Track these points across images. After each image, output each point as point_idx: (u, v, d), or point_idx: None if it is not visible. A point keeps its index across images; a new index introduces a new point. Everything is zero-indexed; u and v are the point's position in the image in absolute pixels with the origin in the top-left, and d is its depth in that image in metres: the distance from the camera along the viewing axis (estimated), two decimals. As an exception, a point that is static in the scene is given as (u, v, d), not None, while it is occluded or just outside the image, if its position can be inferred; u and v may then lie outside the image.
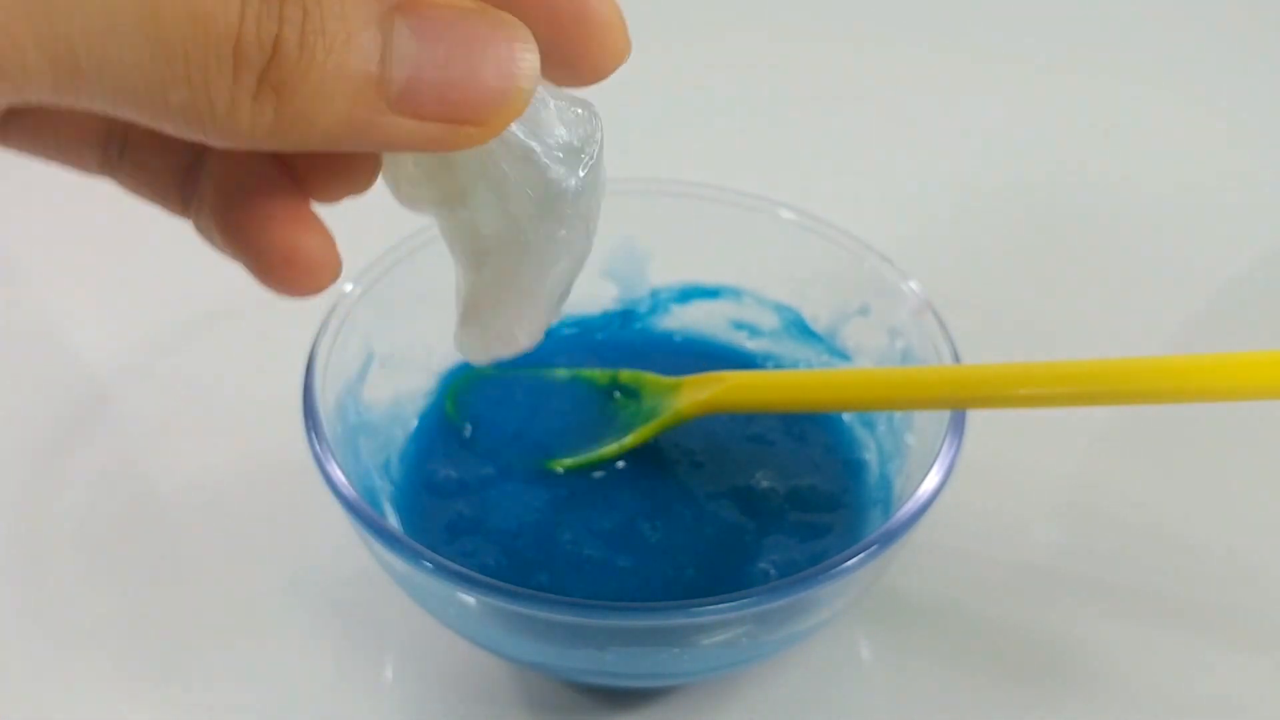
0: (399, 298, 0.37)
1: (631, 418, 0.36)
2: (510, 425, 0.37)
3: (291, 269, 0.22)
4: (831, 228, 0.38)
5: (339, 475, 0.30)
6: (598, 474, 0.36)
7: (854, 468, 0.36)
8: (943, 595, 0.37)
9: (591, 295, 0.41)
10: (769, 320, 0.41)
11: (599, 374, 0.38)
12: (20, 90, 0.17)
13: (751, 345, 0.41)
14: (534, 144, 0.22)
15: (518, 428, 0.37)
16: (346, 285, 0.35)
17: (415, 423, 0.38)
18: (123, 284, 0.49)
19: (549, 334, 0.41)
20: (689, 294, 0.41)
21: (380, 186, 0.23)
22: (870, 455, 0.37)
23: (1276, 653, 0.36)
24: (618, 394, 0.37)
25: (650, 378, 0.37)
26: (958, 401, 0.32)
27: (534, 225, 0.23)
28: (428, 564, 0.28)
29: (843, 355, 0.39)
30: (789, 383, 0.36)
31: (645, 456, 0.36)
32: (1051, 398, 0.32)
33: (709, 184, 0.40)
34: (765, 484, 0.36)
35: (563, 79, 0.22)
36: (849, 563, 0.28)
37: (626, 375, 0.37)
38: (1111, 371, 0.31)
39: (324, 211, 0.49)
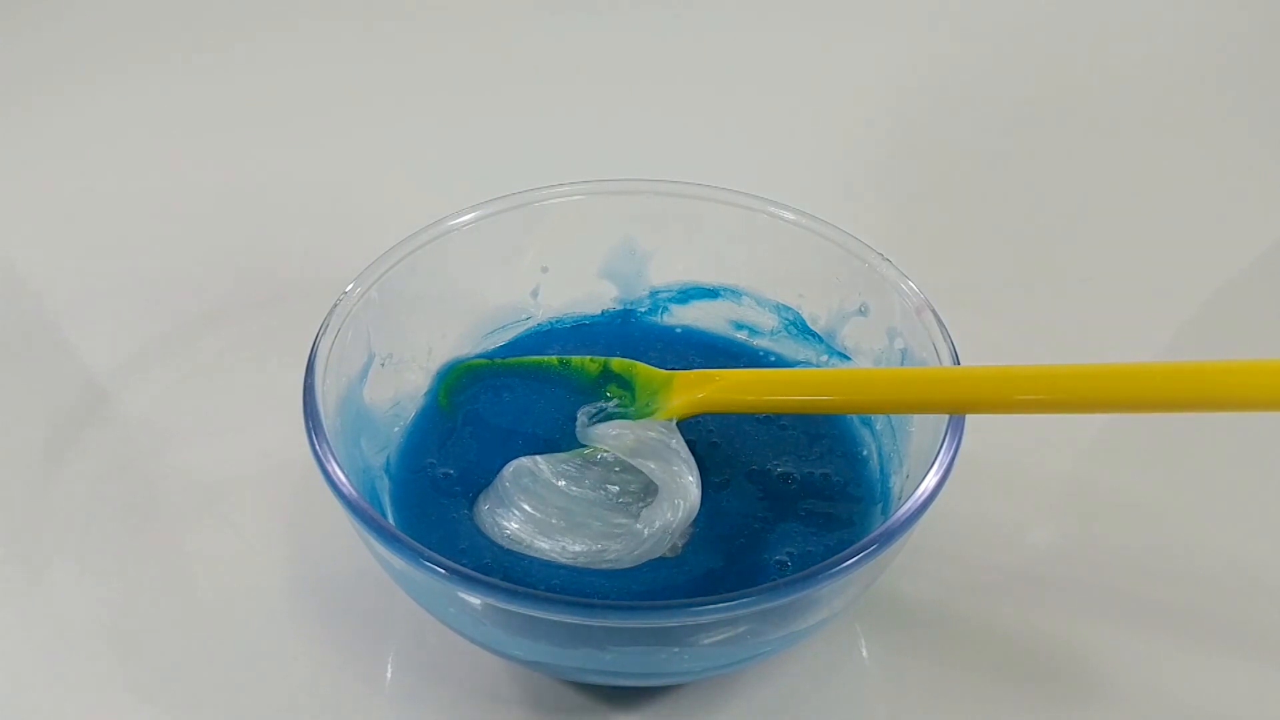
0: (399, 298, 0.37)
1: (624, 413, 0.36)
2: (509, 420, 0.37)
3: None
4: (831, 227, 0.38)
5: (339, 474, 0.30)
6: None
7: (856, 463, 0.36)
8: (942, 596, 0.37)
9: (592, 295, 0.42)
10: (769, 320, 0.41)
11: (590, 362, 0.38)
12: None
13: (751, 345, 0.41)
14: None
15: (517, 422, 0.37)
16: (347, 285, 0.35)
17: (415, 422, 0.38)
18: (123, 284, 0.49)
19: (549, 330, 0.41)
20: (689, 294, 0.41)
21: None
22: (870, 453, 0.37)
23: (1274, 656, 0.36)
24: (612, 385, 0.37)
25: (643, 368, 0.37)
26: (956, 406, 0.31)
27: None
28: (428, 563, 0.28)
29: (842, 355, 0.39)
30: (784, 383, 0.36)
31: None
32: (1053, 404, 0.32)
33: (709, 184, 0.40)
34: (774, 472, 0.36)
35: None
36: (847, 563, 0.28)
37: (619, 364, 0.37)
38: (1114, 377, 0.30)
39: (325, 211, 0.49)
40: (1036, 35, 0.68)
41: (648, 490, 0.34)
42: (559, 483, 0.34)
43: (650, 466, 0.34)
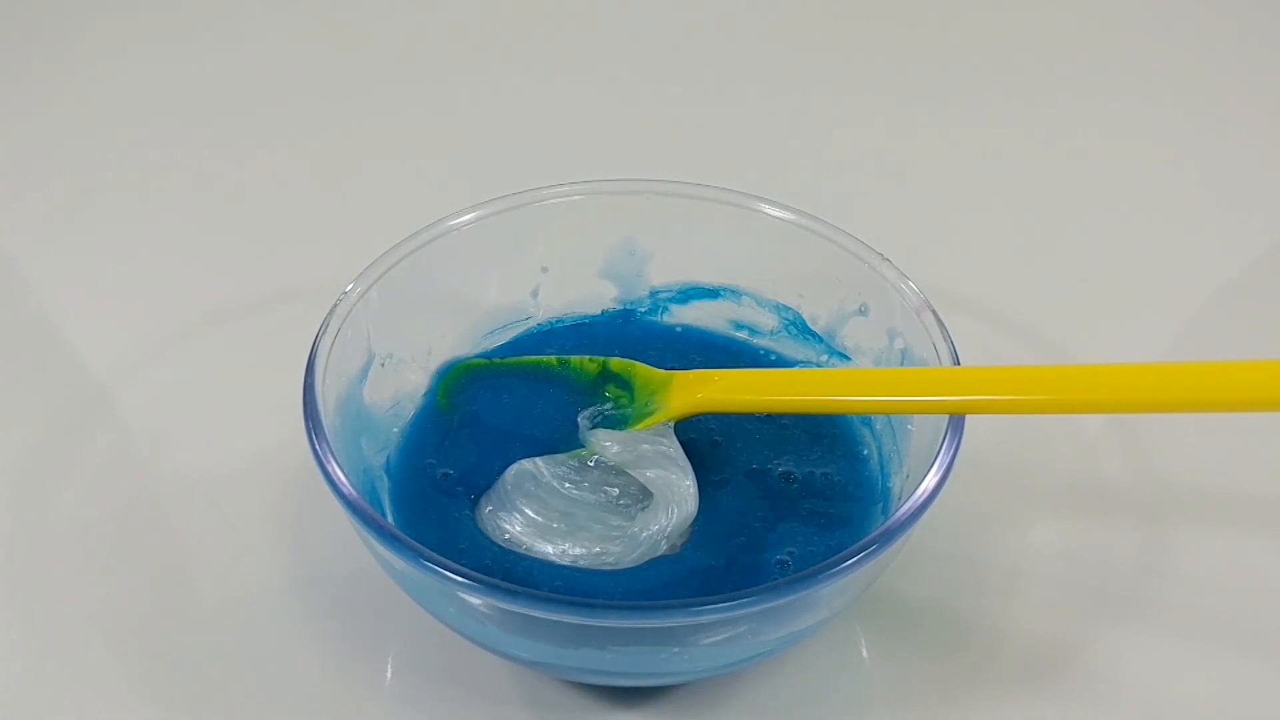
0: (399, 298, 0.37)
1: (623, 414, 0.36)
2: (507, 419, 0.37)
3: None
4: (831, 227, 0.38)
5: (339, 475, 0.30)
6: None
7: (856, 463, 0.36)
8: (942, 595, 0.37)
9: (592, 295, 0.41)
10: (769, 321, 0.41)
11: (589, 362, 0.38)
12: None
13: (751, 345, 0.41)
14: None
15: (516, 422, 0.37)
16: (347, 285, 0.35)
17: (415, 421, 0.38)
18: (123, 284, 0.49)
19: (548, 330, 0.41)
20: (689, 294, 0.41)
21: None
22: (870, 453, 0.37)
23: (1274, 656, 0.36)
24: (611, 385, 0.37)
25: (642, 368, 0.37)
26: (956, 406, 0.31)
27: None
28: (428, 563, 0.28)
29: (842, 355, 0.39)
30: (784, 383, 0.36)
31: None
32: (1053, 404, 0.32)
33: (709, 184, 0.40)
34: (774, 471, 0.36)
35: None
36: (847, 563, 0.28)
37: (618, 364, 0.37)
38: (1114, 376, 0.30)
39: (323, 211, 0.49)
40: (1035, 34, 0.68)
41: (647, 491, 0.34)
42: (560, 486, 0.34)
43: (648, 475, 0.34)
